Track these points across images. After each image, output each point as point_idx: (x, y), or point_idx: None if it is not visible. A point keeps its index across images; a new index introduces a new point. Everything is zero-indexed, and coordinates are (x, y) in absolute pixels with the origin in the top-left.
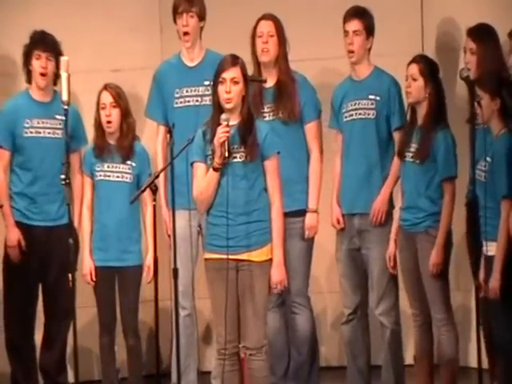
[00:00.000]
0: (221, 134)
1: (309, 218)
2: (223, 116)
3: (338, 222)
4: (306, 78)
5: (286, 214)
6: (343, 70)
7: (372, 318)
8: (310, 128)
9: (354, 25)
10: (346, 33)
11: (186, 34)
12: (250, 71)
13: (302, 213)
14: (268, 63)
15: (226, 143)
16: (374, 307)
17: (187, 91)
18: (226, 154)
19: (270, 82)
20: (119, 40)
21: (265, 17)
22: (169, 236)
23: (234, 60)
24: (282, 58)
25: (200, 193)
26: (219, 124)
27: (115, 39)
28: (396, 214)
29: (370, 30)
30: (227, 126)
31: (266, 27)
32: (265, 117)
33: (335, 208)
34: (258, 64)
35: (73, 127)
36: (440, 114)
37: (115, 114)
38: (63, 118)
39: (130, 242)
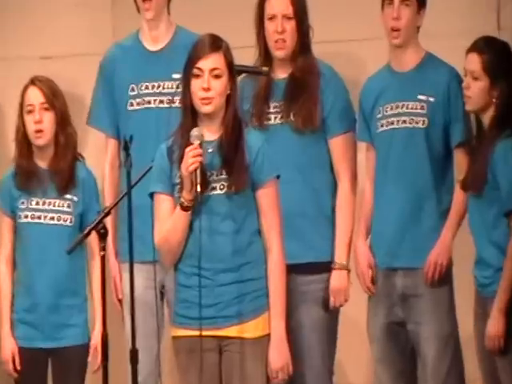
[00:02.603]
0: (190, 159)
1: (336, 278)
2: (194, 132)
3: (372, 282)
4: (334, 68)
5: (298, 268)
6: (364, 56)
7: None
8: (339, 143)
9: None
10: (387, 2)
11: (145, 0)
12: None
13: (321, 267)
14: (284, 58)
15: (199, 171)
16: None
17: (147, 87)
18: (198, 188)
19: (283, 72)
20: (52, 16)
21: None
22: (119, 301)
23: (216, 42)
24: (302, 49)
25: (163, 239)
26: (188, 142)
27: (46, 15)
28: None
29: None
30: (200, 146)
31: (281, 6)
32: (269, 119)
33: (362, 249)
34: (265, 53)
35: None
36: (508, 122)
37: (48, 121)
38: None
39: (70, 312)
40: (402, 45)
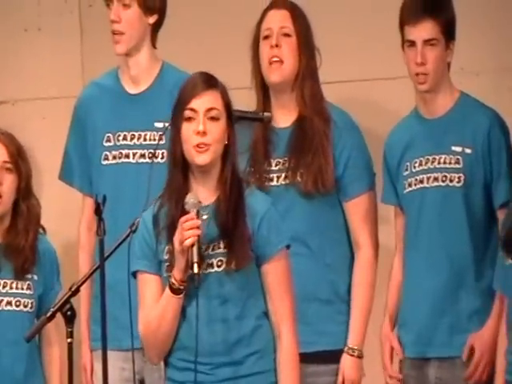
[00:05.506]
0: (186, 232)
1: (348, 365)
2: (190, 199)
3: (400, 371)
4: (350, 115)
5: (306, 358)
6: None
7: None
8: (358, 206)
9: (427, 30)
10: (408, 43)
11: (116, 33)
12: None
13: (335, 356)
14: (281, 85)
15: (196, 248)
16: None
17: (125, 138)
18: (195, 268)
19: (286, 119)
20: (8, 53)
21: (277, 4)
22: None
23: (211, 80)
24: (306, 76)
25: (149, 329)
26: (183, 210)
27: (2, 52)
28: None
29: (450, 32)
30: (197, 216)
31: (278, 20)
32: (271, 180)
33: (387, 333)
34: (262, 90)
35: None
36: None
37: (8, 185)
38: None
39: None
40: (430, 90)
